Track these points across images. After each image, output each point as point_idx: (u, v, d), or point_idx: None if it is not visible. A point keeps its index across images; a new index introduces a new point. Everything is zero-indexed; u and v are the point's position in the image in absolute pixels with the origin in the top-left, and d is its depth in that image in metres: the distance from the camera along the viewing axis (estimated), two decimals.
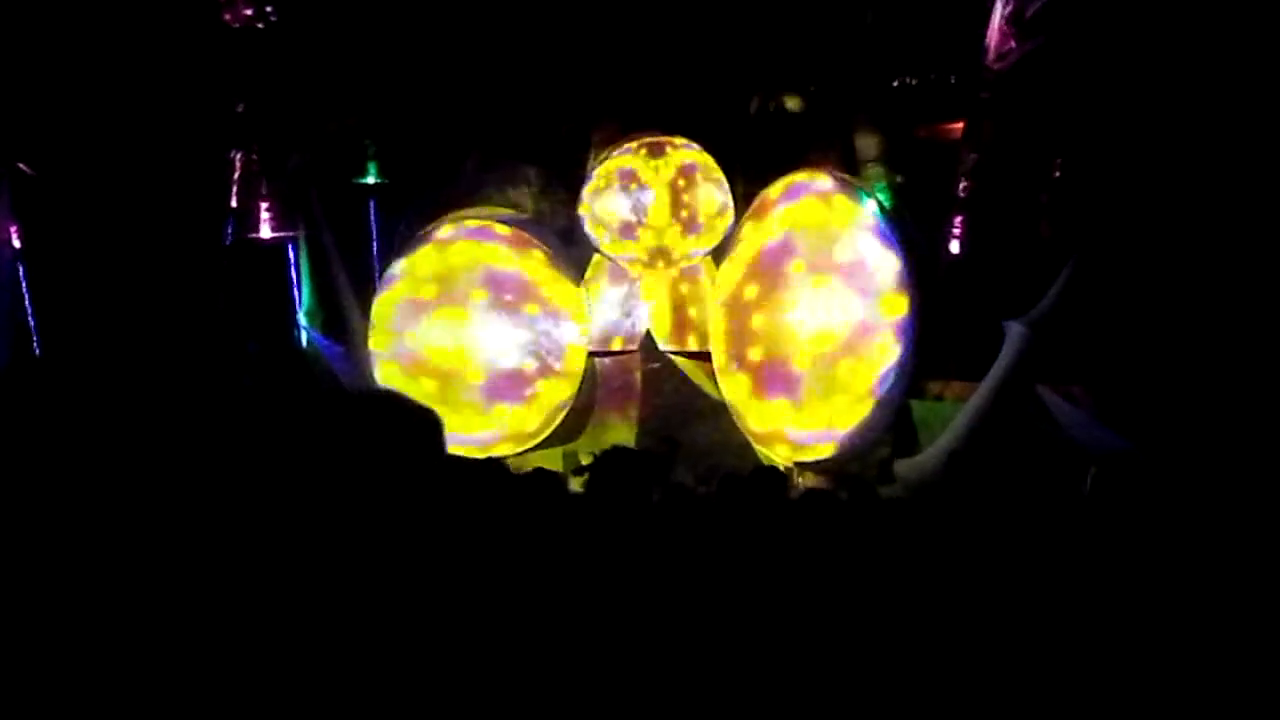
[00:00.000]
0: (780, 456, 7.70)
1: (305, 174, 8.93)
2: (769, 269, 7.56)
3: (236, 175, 9.31)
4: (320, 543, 3.23)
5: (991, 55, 8.24)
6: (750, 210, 8.00)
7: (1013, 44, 8.21)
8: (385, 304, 7.88)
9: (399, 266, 7.94)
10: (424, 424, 3.59)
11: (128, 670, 3.33)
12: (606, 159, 8.17)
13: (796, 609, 4.00)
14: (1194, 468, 6.18)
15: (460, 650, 3.27)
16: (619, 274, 8.33)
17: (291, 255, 9.05)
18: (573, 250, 8.33)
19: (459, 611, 3.34)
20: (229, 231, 9.25)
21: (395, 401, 3.95)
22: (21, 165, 8.64)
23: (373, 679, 3.10)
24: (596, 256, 8.33)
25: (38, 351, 8.75)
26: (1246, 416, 7.02)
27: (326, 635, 3.15)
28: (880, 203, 7.87)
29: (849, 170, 8.30)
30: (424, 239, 7.97)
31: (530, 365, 7.78)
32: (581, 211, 8.16)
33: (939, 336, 7.58)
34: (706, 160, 8.06)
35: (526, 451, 7.96)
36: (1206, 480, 5.99)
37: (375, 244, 9.35)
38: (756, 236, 7.73)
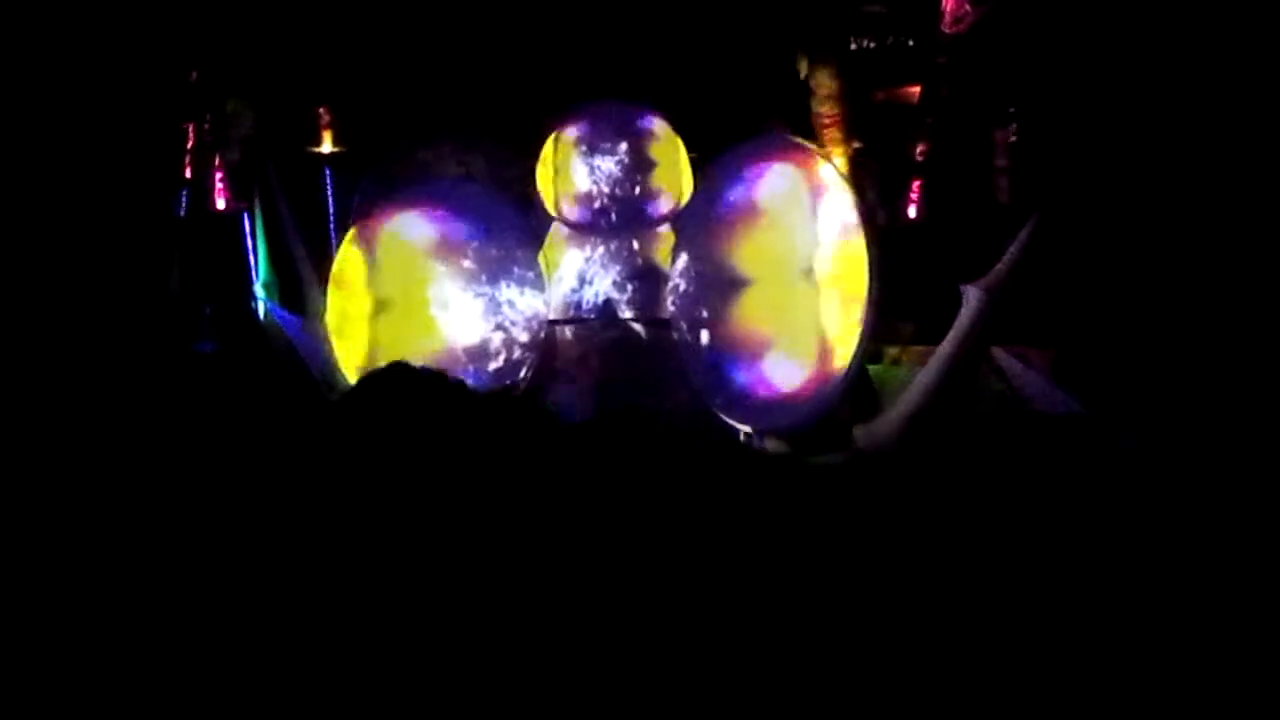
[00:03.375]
0: (741, 422, 7.75)
1: (259, 143, 8.84)
2: (730, 236, 7.63)
3: (190, 146, 9.20)
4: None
5: (947, 20, 8.25)
6: (708, 177, 8.00)
7: (968, 8, 8.22)
8: None
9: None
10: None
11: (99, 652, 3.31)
12: (564, 127, 8.14)
13: (758, 571, 4.03)
14: (1150, 427, 6.28)
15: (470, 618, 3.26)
16: (578, 243, 8.31)
17: (247, 226, 8.96)
18: (531, 220, 8.30)
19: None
20: (183, 203, 9.14)
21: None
22: None
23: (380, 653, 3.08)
24: (555, 225, 8.30)
25: None
26: (1203, 375, 7.12)
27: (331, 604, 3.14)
28: (837, 167, 7.89)
29: (806, 134, 8.30)
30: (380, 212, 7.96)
31: (496, 337, 7.83)
32: (539, 181, 8.14)
33: (896, 300, 7.62)
34: (665, 127, 8.07)
35: None
36: (1164, 440, 6.09)
37: (331, 213, 9.27)
38: (715, 203, 7.77)
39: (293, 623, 3.21)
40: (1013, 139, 8.47)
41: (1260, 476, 5.32)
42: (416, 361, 6.69)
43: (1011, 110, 8.49)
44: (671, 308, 7.90)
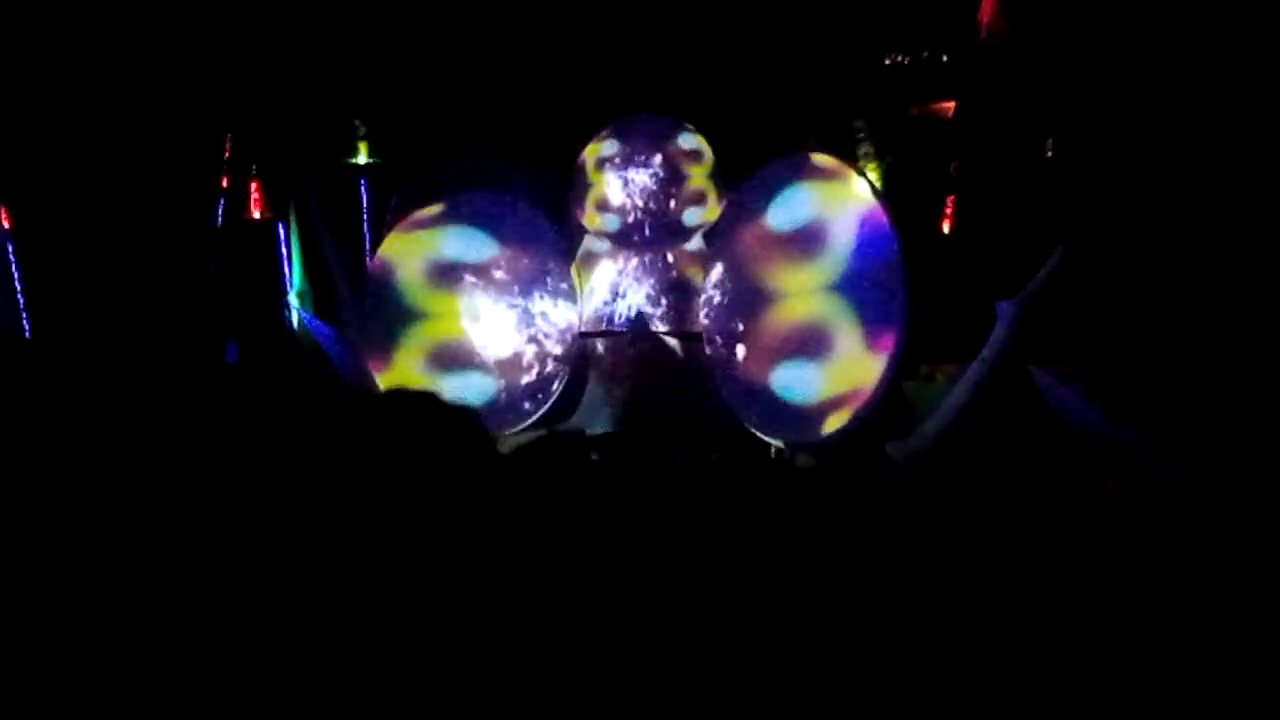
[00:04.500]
0: (773, 437, 7.72)
1: (295, 154, 8.90)
2: (763, 250, 7.62)
3: (227, 155, 9.28)
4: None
5: (984, 34, 8.23)
6: (742, 190, 7.99)
7: (1004, 22, 8.20)
8: None
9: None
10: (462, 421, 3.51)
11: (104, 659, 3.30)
12: (597, 141, 8.16)
13: (786, 589, 4.01)
14: (1183, 445, 6.22)
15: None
16: (611, 256, 8.32)
17: (282, 235, 9.04)
18: (564, 231, 8.31)
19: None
20: (220, 212, 9.22)
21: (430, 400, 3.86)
22: (8, 144, 8.59)
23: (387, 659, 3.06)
24: (587, 238, 8.31)
25: (28, 331, 8.72)
26: (1236, 395, 7.05)
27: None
28: (872, 183, 7.86)
29: (841, 150, 8.28)
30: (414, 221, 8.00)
31: (529, 350, 7.86)
32: (573, 192, 8.16)
33: (930, 316, 7.59)
34: (699, 140, 8.07)
35: (516, 433, 7.97)
36: (1197, 458, 6.02)
37: (366, 224, 9.33)
38: (750, 219, 7.76)
39: (303, 619, 3.19)
40: (1048, 154, 8.43)
41: None
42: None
43: (1047, 125, 8.45)
44: (704, 321, 7.89)
